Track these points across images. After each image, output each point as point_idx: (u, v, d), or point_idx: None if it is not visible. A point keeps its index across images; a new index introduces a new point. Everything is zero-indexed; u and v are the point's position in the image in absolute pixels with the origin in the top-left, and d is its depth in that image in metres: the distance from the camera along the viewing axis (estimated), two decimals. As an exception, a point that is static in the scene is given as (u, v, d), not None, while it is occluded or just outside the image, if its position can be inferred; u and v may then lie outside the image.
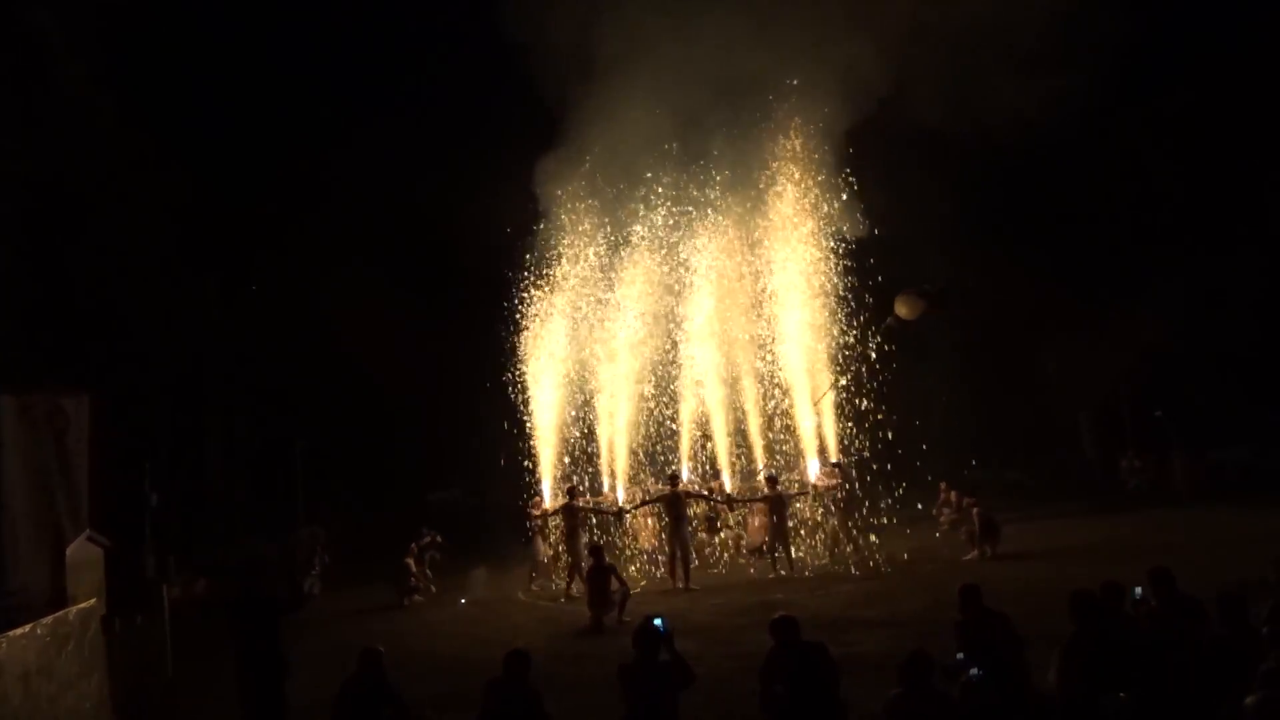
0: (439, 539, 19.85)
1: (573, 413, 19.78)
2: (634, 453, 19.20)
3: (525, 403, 19.75)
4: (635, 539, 18.13)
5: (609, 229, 20.09)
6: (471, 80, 29.32)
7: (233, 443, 29.51)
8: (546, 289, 20.08)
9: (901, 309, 16.56)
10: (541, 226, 20.27)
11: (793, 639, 7.05)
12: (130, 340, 24.26)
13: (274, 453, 27.73)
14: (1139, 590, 7.99)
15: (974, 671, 6.56)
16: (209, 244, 26.22)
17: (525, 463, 19.58)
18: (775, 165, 19.16)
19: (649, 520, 17.55)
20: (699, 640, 11.15)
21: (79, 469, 8.68)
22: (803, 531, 17.91)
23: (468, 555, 19.91)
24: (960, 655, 7.15)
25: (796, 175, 19.05)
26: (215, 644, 8.35)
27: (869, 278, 19.04)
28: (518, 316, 20.16)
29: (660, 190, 19.70)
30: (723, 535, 18.38)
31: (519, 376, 19.96)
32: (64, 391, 8.74)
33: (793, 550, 16.62)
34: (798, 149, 19.06)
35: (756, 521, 17.95)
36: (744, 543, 18.25)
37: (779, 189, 19.10)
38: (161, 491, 21.74)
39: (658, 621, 6.95)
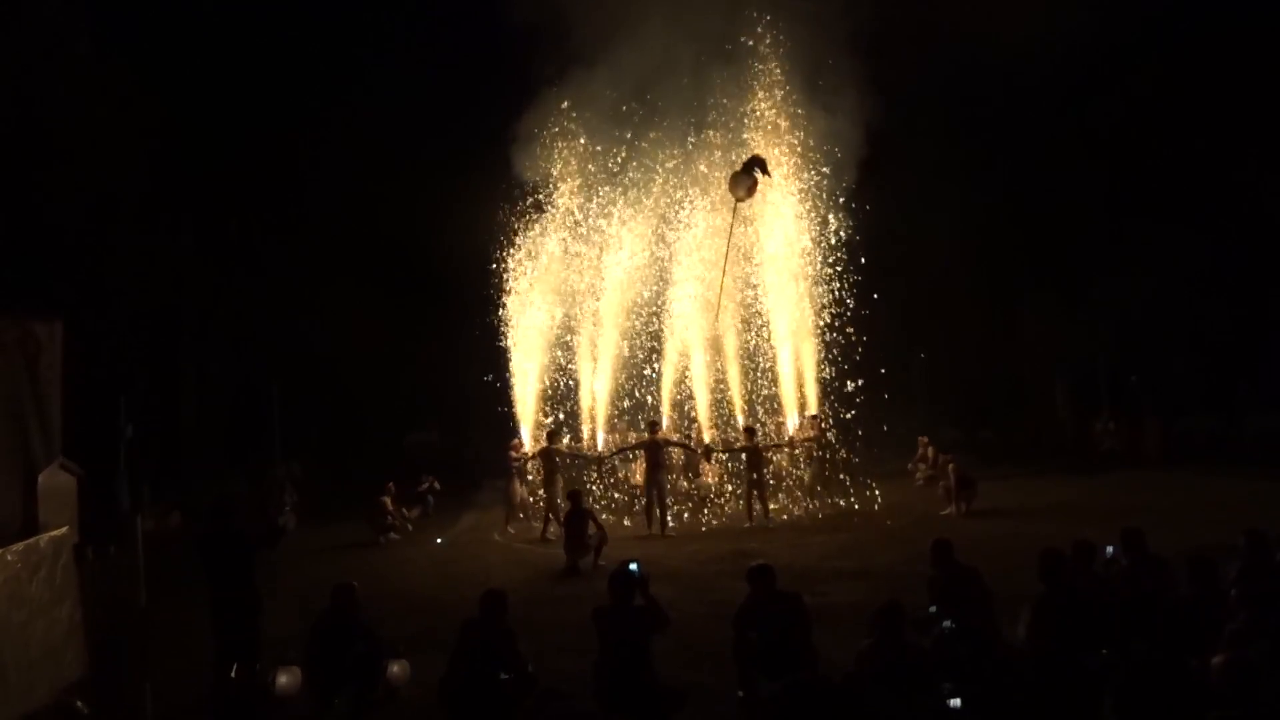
0: (436, 485, 19.94)
1: (553, 357, 19.72)
2: (615, 399, 19.22)
3: (505, 348, 19.67)
4: (627, 480, 18.29)
5: (597, 173, 19.85)
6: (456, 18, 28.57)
7: (209, 378, 29.24)
8: (530, 230, 19.89)
9: (740, 191, 16.94)
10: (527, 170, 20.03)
11: (768, 588, 7.09)
12: (105, 273, 23.86)
13: (250, 389, 27.53)
14: (1110, 550, 8.11)
15: (946, 624, 6.65)
16: (187, 179, 25.68)
17: (503, 407, 19.60)
18: (759, 107, 18.99)
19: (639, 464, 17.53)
20: (674, 586, 11.24)
21: (51, 396, 8.51)
22: (784, 483, 18.08)
23: (457, 497, 20.09)
24: (932, 608, 7.24)
25: (778, 122, 18.92)
26: (189, 577, 8.32)
27: (852, 233, 19.08)
28: (501, 255, 19.99)
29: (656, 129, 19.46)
30: (703, 481, 18.50)
31: (499, 321, 19.86)
32: (36, 317, 8.54)
33: (769, 501, 16.76)
34: (778, 98, 18.91)
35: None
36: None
37: (762, 131, 18.94)
38: (136, 424, 21.52)
39: (633, 566, 6.98)
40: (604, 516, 15.60)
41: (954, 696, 5.57)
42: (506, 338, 19.63)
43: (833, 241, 18.92)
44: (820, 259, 18.86)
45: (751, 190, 17.02)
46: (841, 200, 18.94)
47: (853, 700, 5.28)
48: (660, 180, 19.36)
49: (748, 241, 19.14)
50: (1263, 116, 24.62)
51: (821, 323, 18.78)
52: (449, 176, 23.16)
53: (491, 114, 20.82)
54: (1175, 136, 25.71)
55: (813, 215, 18.91)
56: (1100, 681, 5.08)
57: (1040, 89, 26.05)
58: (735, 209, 17.56)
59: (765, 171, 17.07)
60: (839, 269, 18.96)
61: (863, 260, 19.05)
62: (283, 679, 7.63)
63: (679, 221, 19.28)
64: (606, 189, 19.67)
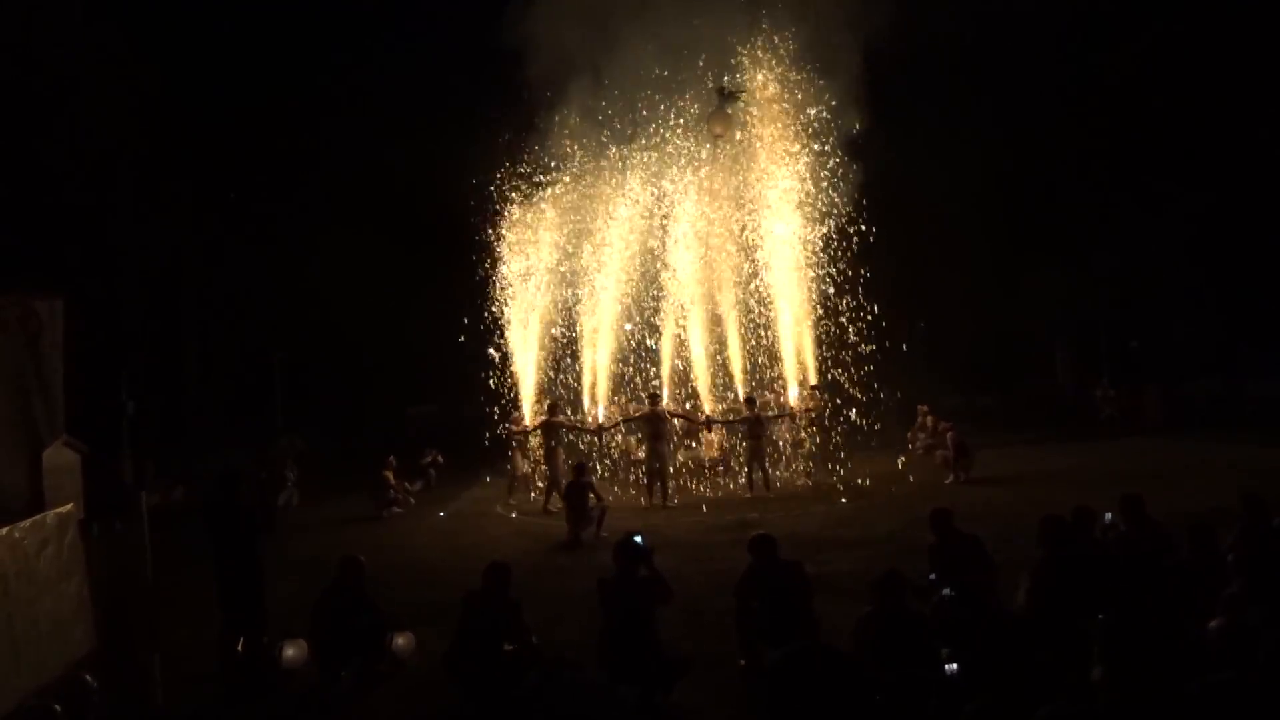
0: (440, 458, 19.98)
1: (554, 330, 19.72)
2: (615, 370, 19.24)
3: (503, 323, 19.66)
4: (627, 453, 18.37)
5: (597, 142, 19.72)
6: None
7: (210, 352, 29.26)
8: (527, 203, 19.83)
9: (717, 128, 17.79)
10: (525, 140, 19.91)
11: (769, 557, 7.16)
12: (105, 245, 23.82)
13: (252, 363, 27.58)
14: (1109, 516, 8.17)
15: (945, 592, 6.71)
16: (186, 149, 25.54)
17: (502, 379, 19.62)
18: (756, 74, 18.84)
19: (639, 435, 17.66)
20: (676, 556, 11.30)
21: (54, 373, 8.51)
22: (785, 453, 18.14)
23: (460, 470, 20.13)
24: (932, 576, 7.30)
25: (776, 83, 18.78)
26: (194, 551, 8.38)
27: (852, 192, 19.01)
28: (497, 230, 19.93)
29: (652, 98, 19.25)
30: (702, 452, 18.57)
31: (497, 294, 19.83)
32: (37, 294, 8.54)
33: (770, 470, 16.82)
34: (778, 55, 18.76)
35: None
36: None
37: (761, 97, 18.79)
38: (138, 399, 21.53)
39: (638, 538, 7.03)
40: (612, 491, 15.62)
41: (952, 662, 5.63)
42: (505, 302, 19.62)
43: (832, 216, 18.86)
44: (820, 223, 18.80)
45: (728, 125, 17.70)
46: (840, 165, 18.84)
47: (853, 667, 5.35)
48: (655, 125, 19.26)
49: (745, 213, 19.09)
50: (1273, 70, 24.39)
51: (818, 274, 18.76)
52: (451, 133, 22.94)
53: (491, 63, 20.65)
54: (1181, 91, 25.46)
55: (812, 182, 18.83)
56: (1095, 646, 5.13)
57: (1042, 46, 25.79)
58: (715, 145, 18.18)
59: (736, 97, 17.66)
60: (838, 238, 18.91)
61: (851, 234, 18.97)
62: (289, 652, 7.71)
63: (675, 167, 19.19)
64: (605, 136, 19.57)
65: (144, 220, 24.41)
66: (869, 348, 19.00)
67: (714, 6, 18.62)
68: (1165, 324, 27.69)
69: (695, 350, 18.70)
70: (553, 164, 19.69)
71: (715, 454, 18.57)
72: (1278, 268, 25.58)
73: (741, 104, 17.68)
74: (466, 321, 20.27)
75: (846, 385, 18.92)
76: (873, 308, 19.07)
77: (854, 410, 19.18)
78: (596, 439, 18.56)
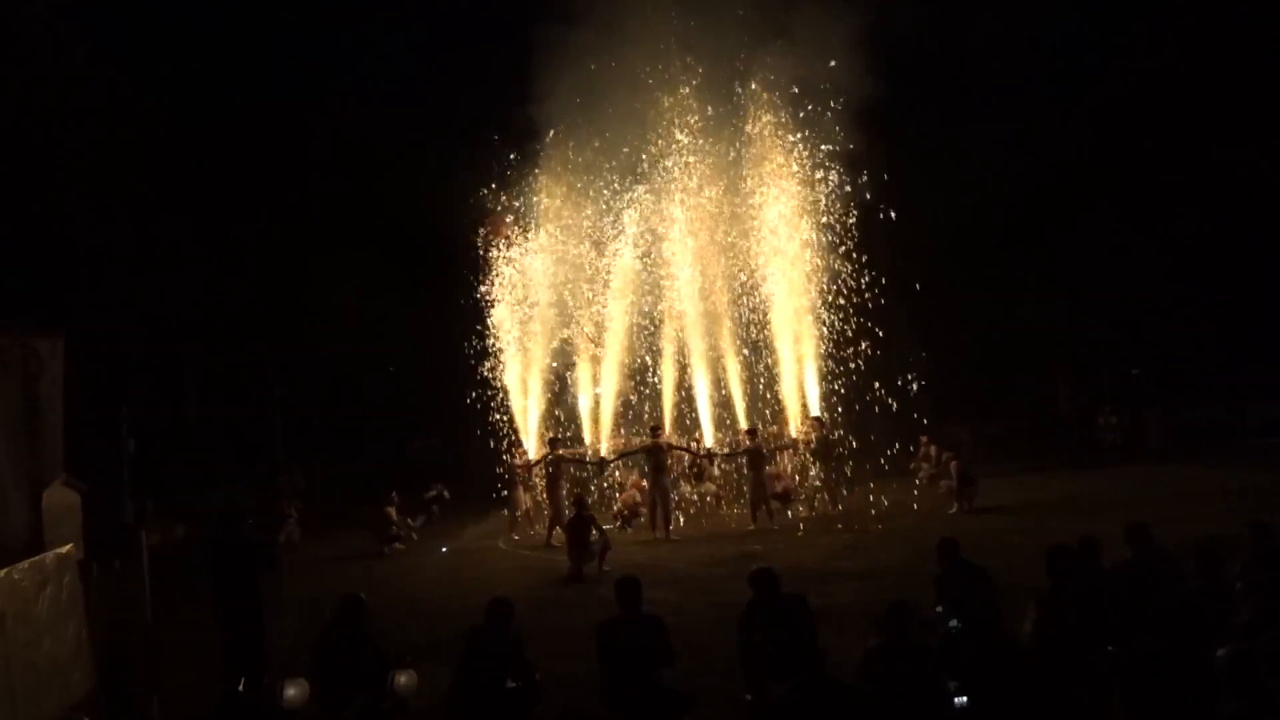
0: (445, 493, 19.89)
1: (553, 364, 19.73)
2: (617, 404, 19.24)
3: (498, 354, 19.69)
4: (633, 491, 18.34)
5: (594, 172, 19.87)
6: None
7: (210, 389, 29.24)
8: (522, 236, 19.96)
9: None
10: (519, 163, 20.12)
11: (772, 590, 7.10)
12: (104, 283, 23.89)
13: (252, 400, 27.50)
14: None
15: (953, 624, 6.65)
16: (184, 187, 25.69)
17: (502, 414, 19.60)
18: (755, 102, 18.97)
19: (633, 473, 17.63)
20: (679, 590, 11.21)
21: (54, 413, 8.53)
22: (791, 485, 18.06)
23: (463, 505, 20.05)
24: (939, 608, 7.23)
25: (776, 118, 18.91)
26: (195, 589, 8.33)
27: (852, 224, 19.09)
28: (490, 267, 20.04)
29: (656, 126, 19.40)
30: (707, 485, 18.50)
31: (491, 327, 19.89)
32: (37, 334, 8.56)
33: (772, 502, 16.72)
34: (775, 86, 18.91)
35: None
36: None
37: (760, 131, 18.92)
38: (138, 436, 21.45)
39: None
40: (607, 526, 15.52)
41: (960, 695, 5.57)
42: (500, 336, 19.65)
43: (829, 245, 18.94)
44: (821, 255, 18.86)
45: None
46: (837, 187, 18.94)
47: (857, 701, 5.29)
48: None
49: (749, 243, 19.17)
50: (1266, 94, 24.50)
51: (818, 303, 18.79)
52: (450, 157, 23.09)
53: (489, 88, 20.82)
54: (1180, 117, 25.56)
55: (811, 214, 18.92)
56: (1107, 677, 5.08)
57: (1040, 70, 25.93)
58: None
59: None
60: (836, 268, 18.98)
61: (856, 260, 19.03)
62: (290, 691, 7.61)
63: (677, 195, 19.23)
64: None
65: (143, 258, 24.51)
66: (869, 378, 19.01)
67: (713, 23, 18.87)
68: (1166, 350, 27.66)
69: (698, 383, 18.69)
70: (546, 195, 19.84)
71: (715, 484, 18.48)
72: (1278, 291, 25.57)
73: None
74: (466, 354, 20.34)
75: (848, 413, 18.89)
76: (873, 335, 19.10)
77: (856, 440, 19.13)
78: (598, 473, 18.50)
